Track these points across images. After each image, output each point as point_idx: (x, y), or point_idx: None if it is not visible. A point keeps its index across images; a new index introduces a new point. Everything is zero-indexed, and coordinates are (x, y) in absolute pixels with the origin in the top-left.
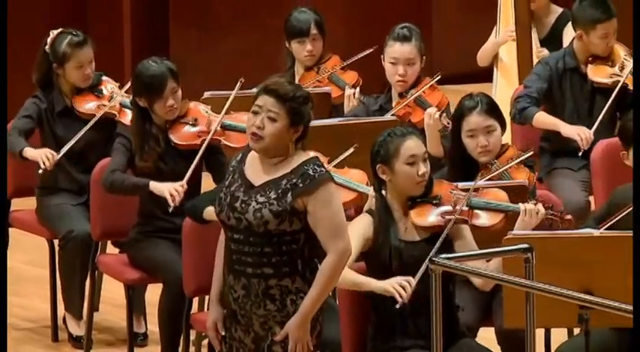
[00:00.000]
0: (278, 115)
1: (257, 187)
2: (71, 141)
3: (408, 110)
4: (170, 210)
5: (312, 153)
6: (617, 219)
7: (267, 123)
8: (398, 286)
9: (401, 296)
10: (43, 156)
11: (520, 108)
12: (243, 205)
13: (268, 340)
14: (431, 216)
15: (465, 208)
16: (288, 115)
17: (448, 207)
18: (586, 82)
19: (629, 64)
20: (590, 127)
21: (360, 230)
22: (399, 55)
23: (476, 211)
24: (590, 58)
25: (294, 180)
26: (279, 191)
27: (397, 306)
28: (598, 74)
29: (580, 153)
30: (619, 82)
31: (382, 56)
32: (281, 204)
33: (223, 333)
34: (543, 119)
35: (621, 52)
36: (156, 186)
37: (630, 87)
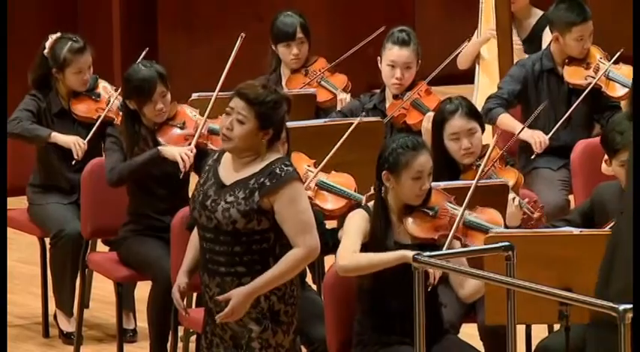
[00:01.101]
0: (246, 118)
1: (227, 187)
2: (88, 136)
3: (403, 112)
4: (181, 176)
5: (297, 154)
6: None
7: (235, 126)
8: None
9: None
10: (75, 143)
11: (487, 108)
12: (213, 204)
13: (245, 337)
14: (425, 229)
15: (463, 226)
16: (257, 119)
17: (444, 221)
18: (563, 84)
19: (604, 66)
20: (563, 128)
21: (359, 224)
22: (397, 58)
23: (470, 231)
24: (566, 60)
25: (262, 180)
26: (247, 191)
27: (429, 289)
28: (573, 76)
29: (533, 156)
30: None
31: (379, 58)
32: (248, 203)
33: (183, 286)
34: (505, 121)
35: (597, 55)
36: (167, 150)
37: (604, 88)
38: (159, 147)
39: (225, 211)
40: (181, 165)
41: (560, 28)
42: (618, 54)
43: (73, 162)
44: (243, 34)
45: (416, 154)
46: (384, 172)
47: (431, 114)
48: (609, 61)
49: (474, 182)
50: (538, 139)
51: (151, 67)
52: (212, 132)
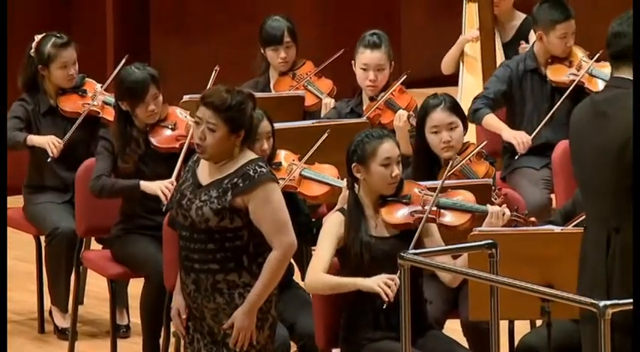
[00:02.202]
0: (216, 126)
1: (203, 187)
2: (67, 135)
3: (378, 112)
4: (163, 209)
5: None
6: None
7: (207, 134)
8: (383, 285)
9: (387, 295)
10: (49, 142)
11: (474, 108)
12: (188, 203)
13: (221, 333)
14: (401, 214)
15: (434, 208)
16: (226, 124)
17: (417, 207)
18: (546, 83)
19: (587, 65)
20: (546, 126)
21: (332, 232)
22: (369, 61)
23: (444, 211)
24: (549, 60)
25: (235, 180)
26: (220, 190)
27: (384, 307)
28: (556, 74)
29: (517, 157)
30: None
31: (353, 62)
32: (221, 202)
33: (184, 317)
34: (490, 121)
35: (579, 53)
36: (147, 186)
37: (587, 85)
38: (140, 182)
39: (199, 209)
40: (163, 199)
41: (545, 26)
42: (598, 54)
43: (48, 160)
44: (217, 68)
45: (381, 141)
46: (353, 165)
47: (401, 112)
48: (591, 59)
49: (447, 181)
50: (521, 140)
51: (144, 69)
52: None
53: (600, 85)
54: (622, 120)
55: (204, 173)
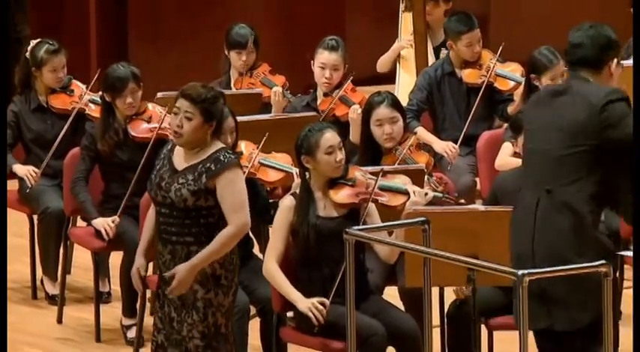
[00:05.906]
0: (193, 115)
1: (179, 172)
2: (49, 153)
3: (332, 106)
4: (107, 239)
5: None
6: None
7: (184, 123)
8: (314, 310)
9: (317, 319)
10: (27, 174)
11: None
12: (167, 185)
13: (191, 298)
14: (347, 195)
15: (377, 190)
16: (202, 114)
17: (361, 189)
18: (462, 84)
19: (492, 66)
20: (469, 121)
21: (284, 220)
22: (326, 61)
23: (384, 192)
24: (463, 64)
25: (208, 165)
26: (196, 174)
27: (315, 331)
28: (470, 77)
29: (449, 168)
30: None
31: (312, 61)
32: (197, 184)
33: (143, 274)
34: (422, 135)
35: (488, 56)
36: (96, 222)
37: (495, 84)
38: (93, 220)
39: (178, 191)
40: (104, 234)
41: (452, 37)
42: (499, 53)
43: (27, 190)
44: (158, 94)
45: (322, 133)
46: (302, 157)
47: (355, 106)
48: (496, 61)
49: (386, 167)
50: (450, 152)
51: (127, 68)
52: None
53: (508, 82)
54: (577, 103)
55: (180, 160)
